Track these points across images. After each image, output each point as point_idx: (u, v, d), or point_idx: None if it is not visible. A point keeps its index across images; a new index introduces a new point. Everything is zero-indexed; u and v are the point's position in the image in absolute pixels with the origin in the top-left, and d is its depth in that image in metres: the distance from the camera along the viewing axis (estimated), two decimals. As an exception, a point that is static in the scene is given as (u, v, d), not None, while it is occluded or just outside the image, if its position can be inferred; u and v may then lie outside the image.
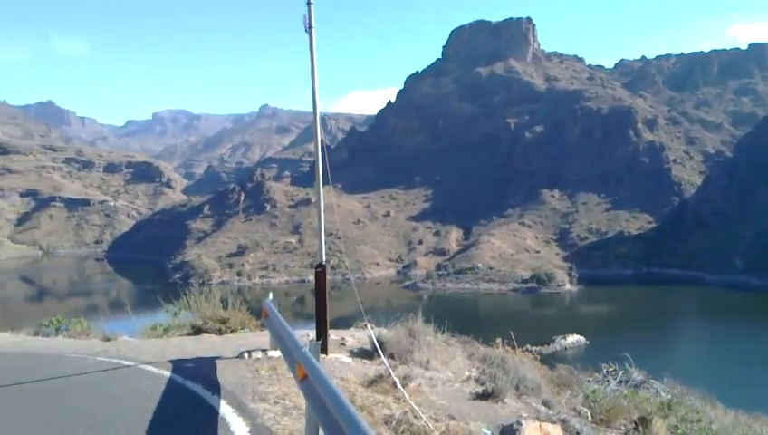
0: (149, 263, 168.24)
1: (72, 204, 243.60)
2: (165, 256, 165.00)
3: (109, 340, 14.02)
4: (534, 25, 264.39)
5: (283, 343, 7.30)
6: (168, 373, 8.62)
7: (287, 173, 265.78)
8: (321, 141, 9.31)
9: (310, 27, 8.85)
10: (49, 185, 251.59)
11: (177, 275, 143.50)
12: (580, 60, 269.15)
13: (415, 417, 6.53)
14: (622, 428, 8.80)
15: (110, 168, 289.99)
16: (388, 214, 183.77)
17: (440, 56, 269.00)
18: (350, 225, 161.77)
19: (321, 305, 9.29)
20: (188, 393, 7.50)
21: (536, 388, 9.43)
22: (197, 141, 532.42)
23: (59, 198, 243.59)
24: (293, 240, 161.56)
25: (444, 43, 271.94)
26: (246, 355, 9.40)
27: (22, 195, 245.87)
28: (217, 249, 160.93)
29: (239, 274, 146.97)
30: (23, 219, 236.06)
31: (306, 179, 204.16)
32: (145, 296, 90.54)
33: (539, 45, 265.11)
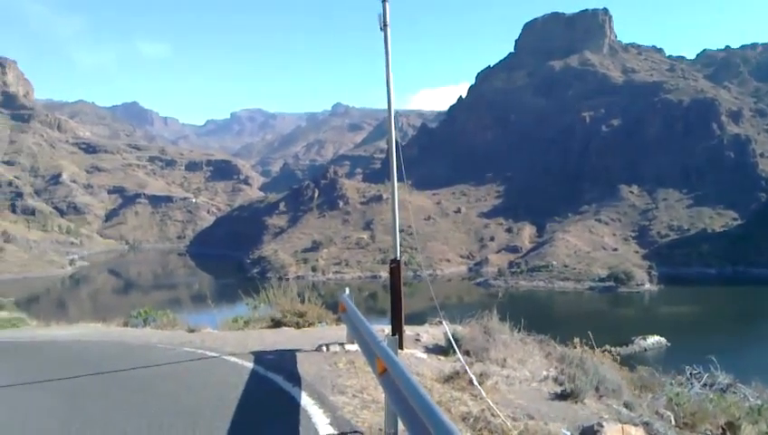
0: (228, 257, 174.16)
1: (156, 201, 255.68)
2: (243, 250, 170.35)
3: (193, 331, 14.62)
4: (611, 16, 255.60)
5: (361, 337, 7.41)
6: (250, 364, 8.92)
7: (359, 170, 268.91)
8: (390, 136, 9.34)
9: (385, 25, 8.90)
10: (134, 182, 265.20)
11: (255, 270, 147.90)
12: (660, 51, 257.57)
13: (492, 415, 6.49)
14: (708, 433, 8.44)
15: (192, 166, 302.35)
16: (459, 210, 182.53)
17: (512, 50, 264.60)
18: (420, 221, 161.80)
19: (396, 301, 9.34)
20: (270, 384, 7.72)
21: (617, 389, 9.18)
22: (273, 139, 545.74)
23: (144, 195, 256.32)
24: (365, 236, 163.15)
25: (516, 37, 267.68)
26: (324, 348, 9.59)
27: (109, 192, 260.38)
28: (293, 245, 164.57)
29: (313, 269, 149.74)
30: (110, 215, 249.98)
31: (377, 176, 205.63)
32: (224, 290, 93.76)
33: (615, 37, 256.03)
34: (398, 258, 9.45)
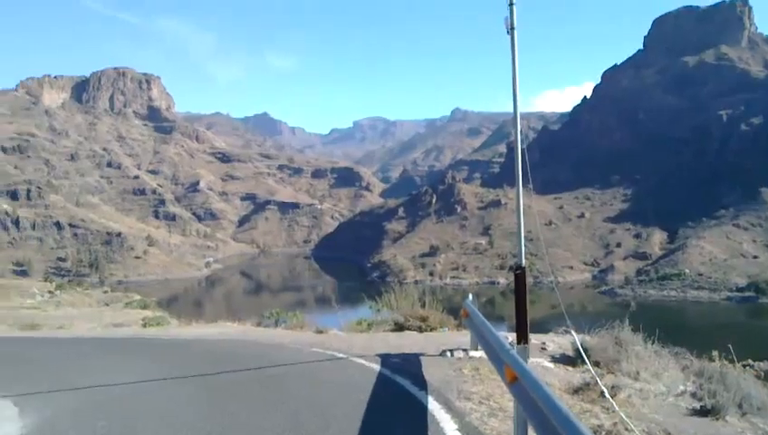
0: (350, 261, 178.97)
1: (284, 207, 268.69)
2: (364, 255, 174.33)
3: (321, 332, 15.24)
4: (750, 7, 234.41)
5: (488, 344, 7.37)
6: (377, 367, 9.14)
7: (477, 175, 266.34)
8: (516, 141, 9.21)
9: (512, 29, 8.79)
10: (265, 190, 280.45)
11: (375, 274, 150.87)
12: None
13: (626, 429, 6.22)
14: None
15: (317, 173, 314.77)
16: (582, 215, 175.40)
17: (641, 47, 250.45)
18: (541, 227, 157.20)
19: (521, 308, 9.17)
20: (397, 387, 7.85)
21: (762, 407, 8.45)
22: (393, 146, 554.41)
23: (273, 201, 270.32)
24: (483, 242, 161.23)
25: (645, 34, 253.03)
26: (448, 354, 9.63)
27: (242, 199, 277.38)
28: (411, 250, 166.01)
29: (431, 274, 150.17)
30: (243, 221, 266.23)
31: (496, 181, 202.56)
32: (347, 292, 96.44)
33: (756, 29, 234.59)
34: (523, 265, 9.29)
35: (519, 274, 9.38)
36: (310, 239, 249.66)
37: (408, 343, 11.56)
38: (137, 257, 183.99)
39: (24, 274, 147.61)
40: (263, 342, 13.78)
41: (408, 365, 9.07)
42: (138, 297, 76.27)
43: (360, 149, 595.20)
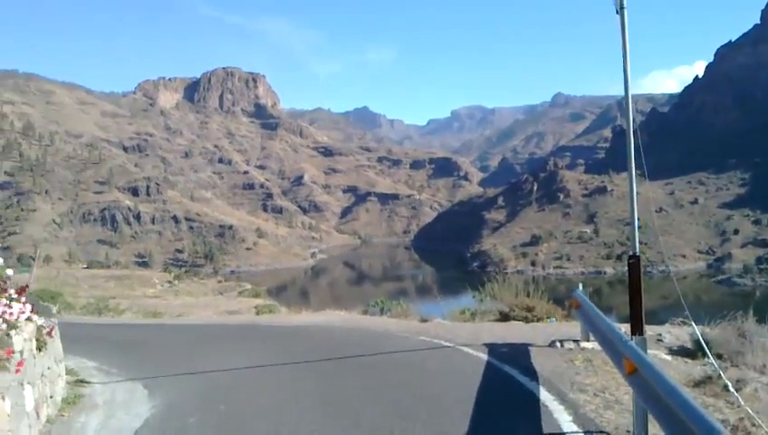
0: (449, 251, 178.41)
1: (384, 198, 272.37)
2: (463, 245, 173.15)
3: (425, 321, 15.37)
4: None
5: (602, 335, 7.18)
6: (484, 356, 9.13)
7: (581, 161, 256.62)
8: (624, 124, 8.85)
9: (621, 8, 8.47)
10: (365, 182, 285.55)
11: (475, 264, 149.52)
12: None
13: (753, 425, 5.89)
14: None
15: (415, 164, 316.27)
16: (695, 201, 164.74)
17: (758, 21, 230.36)
18: (652, 213, 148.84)
19: (635, 299, 8.83)
20: (506, 377, 7.82)
21: None
22: (492, 135, 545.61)
23: (373, 193, 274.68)
24: (588, 230, 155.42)
25: (762, 7, 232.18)
26: (558, 344, 9.46)
27: (344, 191, 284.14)
28: (511, 239, 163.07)
29: (533, 263, 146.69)
30: (345, 212, 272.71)
31: (601, 167, 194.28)
32: (447, 282, 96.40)
33: None
34: (638, 253, 8.96)
35: (633, 263, 9.04)
36: (409, 229, 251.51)
37: (514, 333, 11.46)
38: (247, 249, 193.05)
39: (145, 265, 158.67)
40: (370, 330, 14.09)
41: (516, 355, 9.00)
42: (249, 286, 80.00)
43: (458, 138, 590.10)
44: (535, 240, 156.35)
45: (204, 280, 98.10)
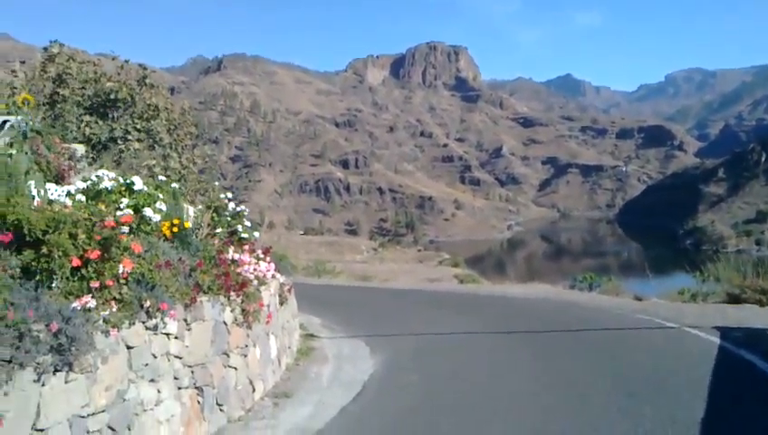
0: (658, 227, 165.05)
1: (587, 170, 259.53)
2: (675, 220, 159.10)
3: (639, 299, 14.67)
4: None
5: None
6: (716, 339, 8.57)
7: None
8: None
9: None
10: (566, 153, 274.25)
11: (688, 241, 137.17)
12: None
13: None
14: None
15: (622, 133, 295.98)
16: None
17: None
18: None
19: None
20: (744, 362, 7.31)
21: None
22: (712, 100, 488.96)
23: (575, 164, 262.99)
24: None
25: None
26: (805, 332, 8.55)
27: (543, 163, 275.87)
28: (732, 215, 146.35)
29: (758, 242, 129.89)
30: (543, 185, 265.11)
31: None
32: (656, 261, 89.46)
33: None
34: None
35: None
36: (613, 203, 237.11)
37: (749, 315, 10.55)
38: (445, 220, 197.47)
39: (353, 233, 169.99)
40: (581, 304, 13.84)
41: (754, 340, 8.32)
42: (447, 256, 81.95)
43: (673, 104, 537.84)
44: (761, 217, 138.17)
45: (405, 248, 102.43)
